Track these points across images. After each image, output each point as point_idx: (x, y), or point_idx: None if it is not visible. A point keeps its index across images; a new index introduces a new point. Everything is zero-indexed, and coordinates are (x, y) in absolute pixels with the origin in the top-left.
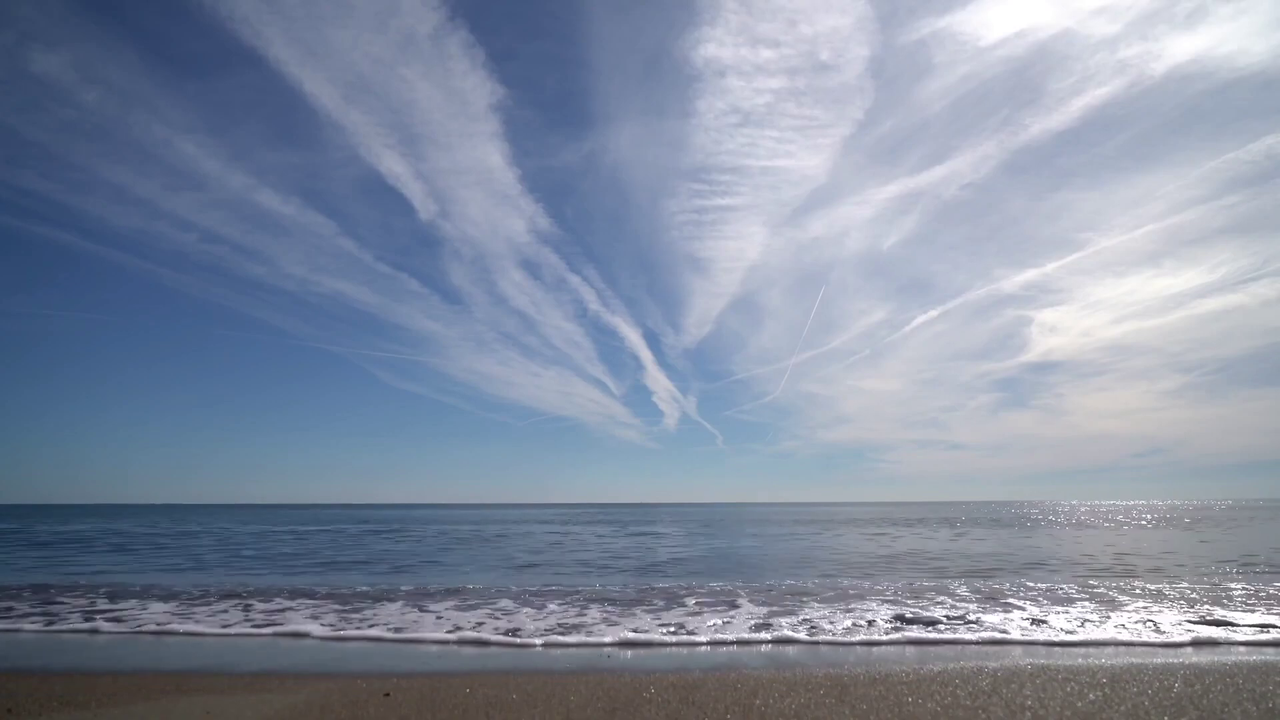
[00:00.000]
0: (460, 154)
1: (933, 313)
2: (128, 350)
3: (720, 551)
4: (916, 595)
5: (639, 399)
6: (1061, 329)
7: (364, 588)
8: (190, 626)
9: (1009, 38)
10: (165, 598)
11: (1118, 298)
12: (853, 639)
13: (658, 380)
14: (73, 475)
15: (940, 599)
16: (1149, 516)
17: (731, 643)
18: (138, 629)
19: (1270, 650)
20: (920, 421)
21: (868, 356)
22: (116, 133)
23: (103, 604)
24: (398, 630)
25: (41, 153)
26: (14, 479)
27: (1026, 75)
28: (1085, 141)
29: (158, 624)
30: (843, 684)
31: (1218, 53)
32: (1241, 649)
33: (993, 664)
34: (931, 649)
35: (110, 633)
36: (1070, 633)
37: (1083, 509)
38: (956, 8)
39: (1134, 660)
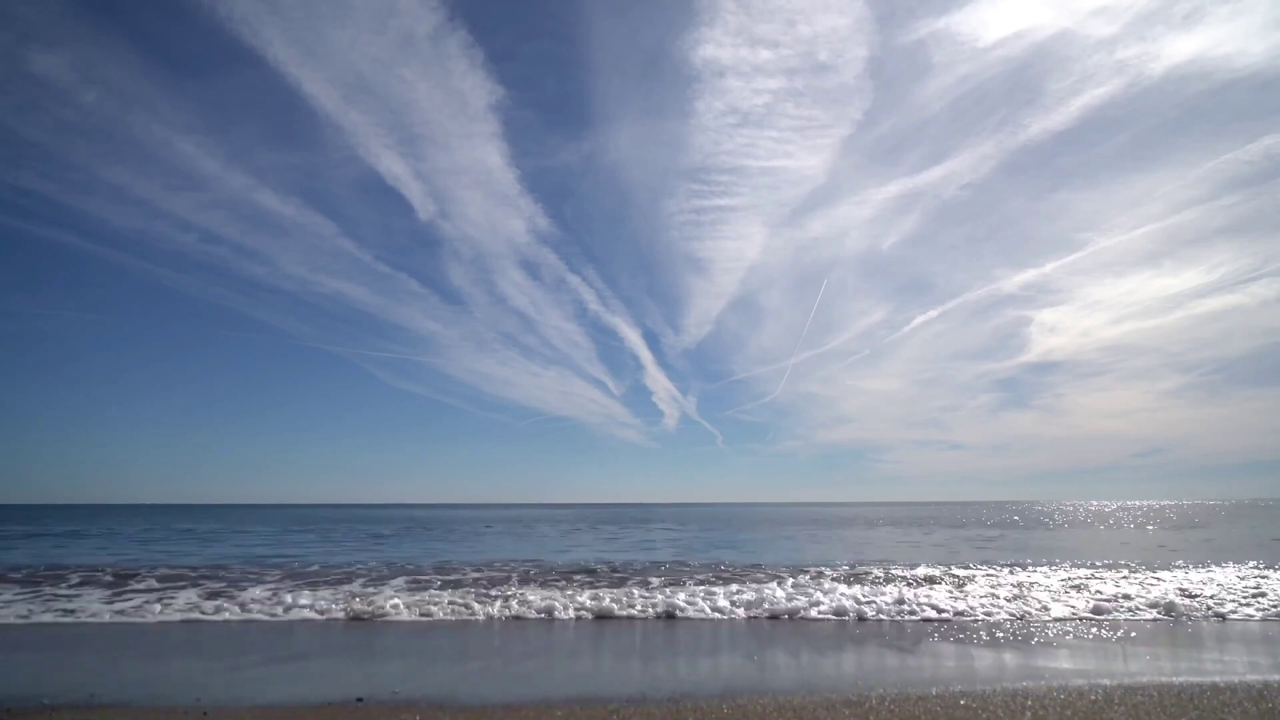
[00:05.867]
0: (459, 154)
1: (932, 313)
2: (128, 350)
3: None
4: None
5: (639, 399)
6: (1061, 329)
7: None
8: None
9: (1007, 38)
10: None
11: (1117, 298)
12: None
13: (658, 380)
14: (72, 475)
15: None
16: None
17: None
18: None
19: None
20: (920, 421)
21: (868, 356)
22: (116, 133)
23: None
24: None
25: (41, 153)
26: (14, 479)
27: (1025, 76)
28: (1084, 142)
29: None
30: None
31: (1216, 53)
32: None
33: None
34: None
35: None
36: None
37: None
38: (955, 8)
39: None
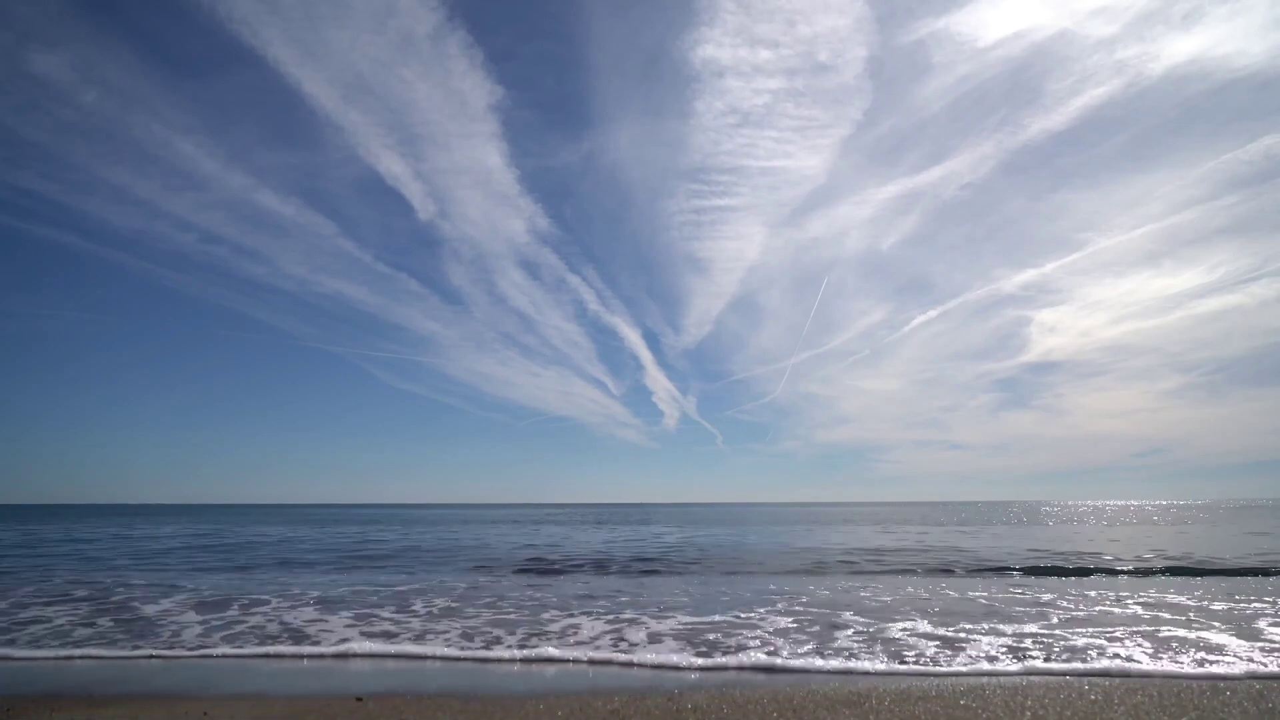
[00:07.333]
0: (459, 154)
1: (932, 313)
2: (128, 350)
3: None
4: None
5: (639, 399)
6: (1061, 329)
7: None
8: None
9: (1007, 38)
10: None
11: (1117, 298)
12: None
13: (657, 380)
14: (72, 475)
15: None
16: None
17: None
18: None
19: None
20: (920, 421)
21: (867, 356)
22: (116, 133)
23: None
24: None
25: (41, 153)
26: (14, 479)
27: (1025, 76)
28: (1083, 142)
29: None
30: None
31: (1215, 53)
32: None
33: None
34: None
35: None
36: None
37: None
38: (954, 9)
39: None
